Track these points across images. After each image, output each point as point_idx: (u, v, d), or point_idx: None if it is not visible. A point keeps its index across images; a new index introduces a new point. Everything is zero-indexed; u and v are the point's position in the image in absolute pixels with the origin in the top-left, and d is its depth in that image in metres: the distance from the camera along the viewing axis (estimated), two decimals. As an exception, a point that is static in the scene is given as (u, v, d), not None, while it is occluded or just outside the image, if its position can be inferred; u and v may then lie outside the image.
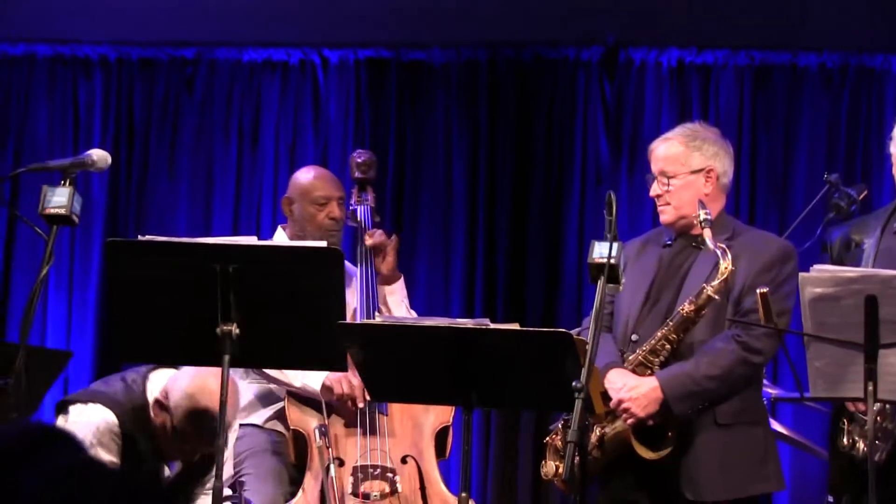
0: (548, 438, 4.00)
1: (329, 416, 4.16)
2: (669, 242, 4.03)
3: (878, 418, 3.67)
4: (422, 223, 6.30)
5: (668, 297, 3.93)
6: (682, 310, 3.81)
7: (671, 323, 3.82)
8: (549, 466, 3.95)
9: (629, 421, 3.79)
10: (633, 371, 3.84)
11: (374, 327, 3.58)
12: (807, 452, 5.28)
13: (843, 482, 3.92)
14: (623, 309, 3.99)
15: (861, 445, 3.71)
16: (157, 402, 3.72)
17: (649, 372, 3.84)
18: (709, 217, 3.81)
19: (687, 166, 3.99)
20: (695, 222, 3.90)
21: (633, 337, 3.92)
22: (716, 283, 3.77)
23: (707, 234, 3.79)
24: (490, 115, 6.32)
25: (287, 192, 4.58)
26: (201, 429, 3.62)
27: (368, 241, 4.46)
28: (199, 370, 3.66)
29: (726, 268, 3.76)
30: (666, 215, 4.00)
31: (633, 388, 3.79)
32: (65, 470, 1.02)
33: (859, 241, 3.90)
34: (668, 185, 3.98)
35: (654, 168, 4.04)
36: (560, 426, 3.93)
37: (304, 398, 4.20)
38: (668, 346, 3.83)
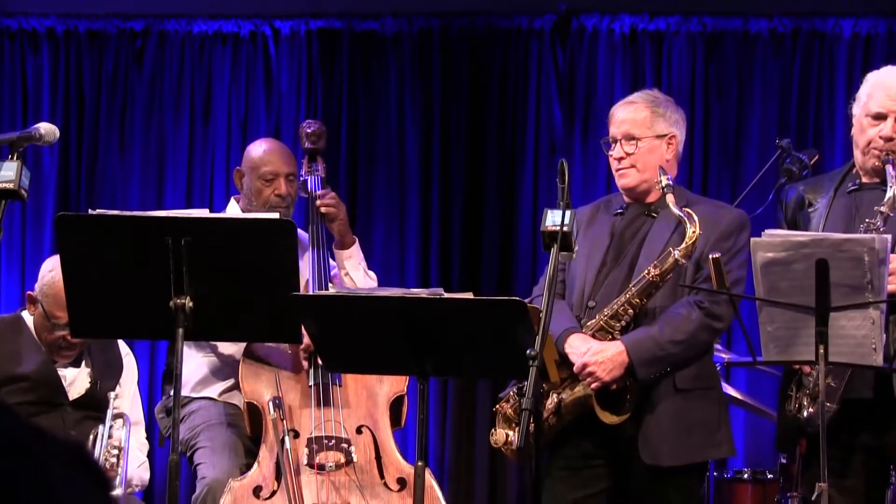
0: (497, 406, 3.99)
1: (283, 389, 4.15)
2: (621, 210, 4.03)
3: (814, 374, 3.71)
4: (376, 194, 6.29)
5: (625, 263, 3.93)
6: (648, 274, 3.80)
7: (634, 288, 3.82)
8: (499, 434, 3.94)
9: (593, 385, 3.79)
10: (593, 336, 3.84)
11: (327, 298, 3.56)
12: (759, 416, 5.33)
13: (791, 439, 3.98)
14: (578, 276, 3.99)
15: (807, 409, 3.74)
16: (28, 297, 4.20)
17: (610, 337, 3.84)
18: (671, 182, 3.83)
19: (652, 130, 3.99)
20: (654, 188, 3.92)
21: (590, 303, 3.92)
22: (683, 247, 3.78)
23: (670, 199, 3.80)
24: (443, 85, 6.31)
25: (240, 164, 4.55)
26: (59, 291, 3.88)
27: (319, 203, 4.41)
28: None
29: (693, 232, 3.78)
30: (628, 178, 3.99)
31: (598, 353, 3.79)
32: (7, 438, 1.01)
33: (812, 200, 3.92)
34: (637, 146, 3.97)
35: (618, 130, 4.01)
36: (511, 393, 3.93)
37: (258, 370, 4.19)
38: (630, 311, 3.83)
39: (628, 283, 3.86)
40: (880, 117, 3.78)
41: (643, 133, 3.98)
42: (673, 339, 3.82)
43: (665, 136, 4.00)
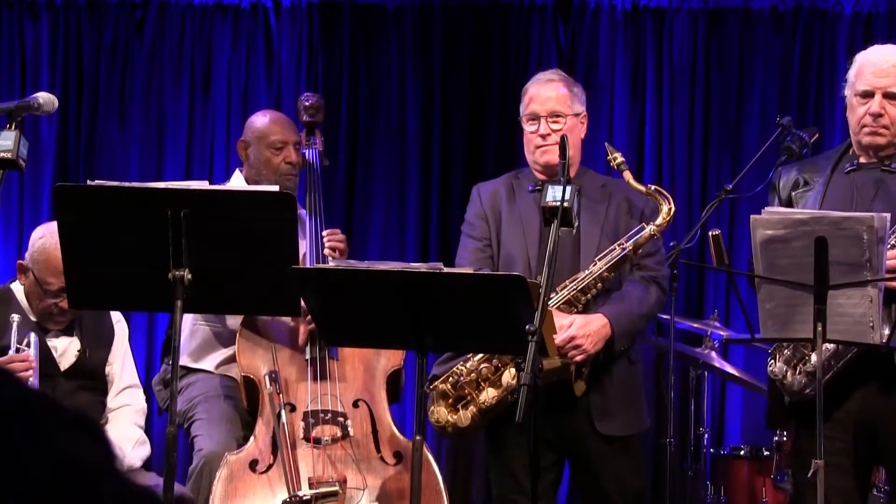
0: (431, 386, 3.98)
1: (279, 362, 4.15)
2: (538, 188, 4.06)
3: (814, 354, 3.71)
4: (376, 168, 6.28)
5: (565, 238, 3.94)
6: (620, 248, 3.90)
7: (602, 262, 3.91)
8: (439, 412, 3.96)
9: (579, 357, 3.84)
10: (559, 309, 3.90)
11: (327, 272, 3.55)
12: (757, 393, 5.35)
13: (781, 418, 4.00)
14: (515, 253, 4.04)
15: (792, 377, 3.74)
16: (19, 266, 4.13)
17: (575, 310, 3.91)
18: (625, 160, 3.95)
19: (571, 109, 4.11)
20: (574, 164, 4.05)
21: (538, 279, 3.99)
22: (659, 222, 3.91)
23: (628, 175, 3.93)
24: (444, 60, 6.29)
25: (243, 135, 4.53)
26: (50, 257, 3.91)
27: (328, 244, 4.40)
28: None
29: (669, 210, 3.90)
30: (552, 155, 4.03)
31: (583, 326, 3.85)
32: (13, 402, 1.02)
33: (809, 179, 3.95)
34: (566, 123, 4.06)
35: (542, 108, 4.09)
36: (455, 370, 3.94)
37: (254, 344, 4.19)
38: (599, 285, 3.93)
39: (576, 258, 3.97)
40: (868, 95, 3.82)
41: (566, 111, 4.10)
42: (641, 313, 3.98)
43: (579, 115, 4.14)
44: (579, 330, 3.84)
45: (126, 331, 4.35)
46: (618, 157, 3.94)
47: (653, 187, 3.96)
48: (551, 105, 4.08)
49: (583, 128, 4.16)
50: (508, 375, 3.87)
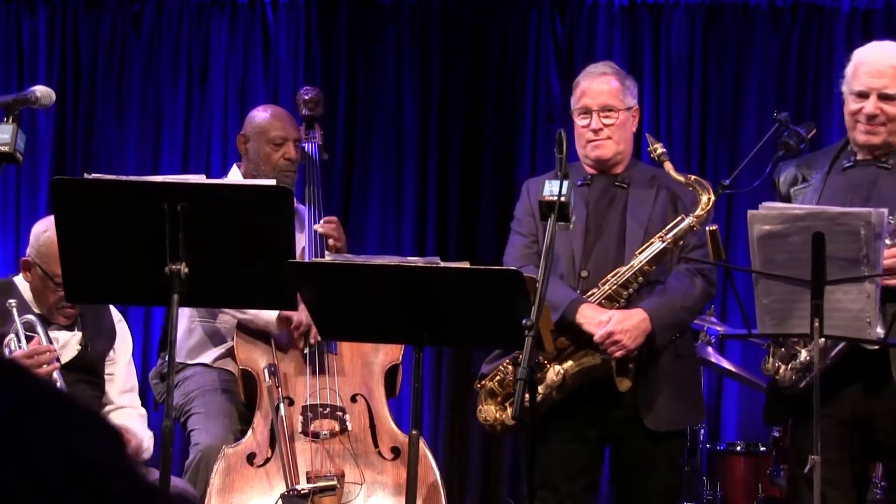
0: (479, 384, 3.98)
1: (278, 356, 4.16)
2: (587, 182, 4.05)
3: (807, 350, 3.72)
4: (373, 162, 6.28)
5: (612, 232, 3.96)
6: (662, 240, 3.86)
7: (643, 255, 3.86)
8: (487, 411, 3.95)
9: (619, 353, 3.81)
10: (601, 305, 3.86)
11: (324, 266, 3.55)
12: (753, 388, 5.35)
13: (779, 413, 4.00)
14: (562, 247, 3.99)
15: (784, 372, 3.75)
16: (23, 263, 4.08)
17: (617, 305, 3.87)
18: (666, 150, 3.90)
19: (623, 103, 4.05)
20: (624, 160, 4.04)
21: (583, 273, 3.95)
22: (698, 213, 3.85)
23: (669, 166, 3.88)
24: (442, 53, 6.29)
25: (242, 130, 4.53)
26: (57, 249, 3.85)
27: (319, 229, 4.40)
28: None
29: (709, 199, 3.85)
30: (604, 150, 4.02)
31: (622, 321, 3.80)
32: (23, 396, 1.01)
33: (807, 175, 3.95)
34: (618, 117, 4.02)
35: (594, 102, 4.03)
36: (500, 368, 3.93)
37: (253, 337, 4.19)
38: (640, 279, 3.88)
39: (621, 252, 3.92)
40: (863, 95, 3.81)
41: (618, 105, 4.04)
42: (684, 306, 3.91)
43: (631, 108, 4.08)
44: (617, 325, 3.79)
45: (128, 334, 4.31)
46: (658, 148, 3.88)
47: (693, 177, 3.91)
48: (603, 99, 4.02)
49: (635, 121, 4.09)
50: (552, 373, 3.84)
